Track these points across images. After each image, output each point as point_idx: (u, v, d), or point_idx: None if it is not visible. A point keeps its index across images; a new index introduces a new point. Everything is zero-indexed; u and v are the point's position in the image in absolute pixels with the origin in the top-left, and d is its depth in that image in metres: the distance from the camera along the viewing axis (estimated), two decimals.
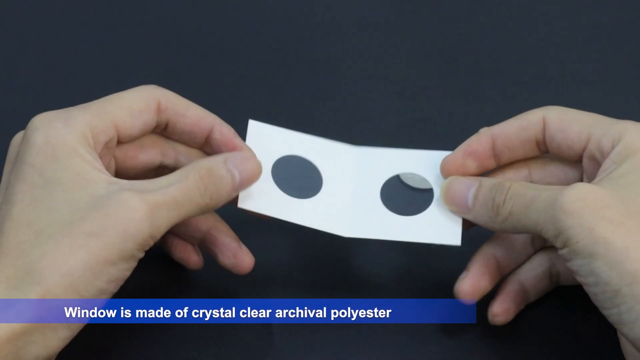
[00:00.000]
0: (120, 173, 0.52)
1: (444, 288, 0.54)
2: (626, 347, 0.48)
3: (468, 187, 0.52)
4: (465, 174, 0.53)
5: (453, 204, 0.52)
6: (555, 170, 0.53)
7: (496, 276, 0.53)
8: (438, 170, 0.54)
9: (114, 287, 0.46)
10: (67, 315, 0.45)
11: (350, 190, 0.54)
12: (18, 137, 0.50)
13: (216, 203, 0.49)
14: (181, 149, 0.53)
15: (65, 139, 0.47)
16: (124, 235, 0.45)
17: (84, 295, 0.45)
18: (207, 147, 0.53)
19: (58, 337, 0.46)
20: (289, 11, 0.69)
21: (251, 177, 0.51)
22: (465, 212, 0.52)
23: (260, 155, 0.52)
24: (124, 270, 0.46)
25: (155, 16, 0.69)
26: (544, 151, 0.53)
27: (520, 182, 0.51)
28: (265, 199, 0.52)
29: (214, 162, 0.50)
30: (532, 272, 0.54)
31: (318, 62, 0.67)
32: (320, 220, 0.53)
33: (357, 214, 0.54)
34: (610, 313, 0.45)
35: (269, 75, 0.66)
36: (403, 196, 0.55)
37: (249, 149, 0.52)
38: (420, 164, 0.54)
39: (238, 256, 0.53)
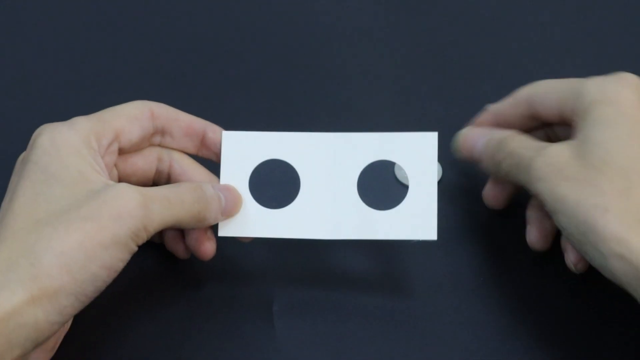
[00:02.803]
0: (121, 180, 0.54)
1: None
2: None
3: (481, 137, 0.56)
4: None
5: (468, 154, 0.57)
6: (564, 131, 0.55)
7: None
8: (413, 153, 0.54)
9: (107, 276, 0.47)
10: (60, 297, 0.45)
11: (327, 186, 0.54)
12: (22, 155, 0.52)
13: (204, 217, 0.52)
14: (176, 156, 0.55)
15: (70, 140, 0.50)
16: (117, 220, 0.47)
17: (77, 278, 0.46)
18: (204, 149, 0.55)
19: (49, 321, 0.46)
20: (284, 17, 0.69)
21: (235, 204, 0.54)
22: (477, 162, 0.56)
23: (238, 166, 0.54)
24: (117, 259, 0.47)
25: (155, 21, 0.69)
26: (540, 122, 0.55)
27: (521, 137, 0.54)
28: (243, 220, 0.54)
29: (203, 183, 0.53)
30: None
31: (313, 66, 0.66)
32: (300, 228, 0.54)
33: (334, 213, 0.54)
34: (587, 260, 0.50)
35: (264, 80, 0.65)
36: (379, 187, 0.56)
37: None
38: (396, 148, 0.55)
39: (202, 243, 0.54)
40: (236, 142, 0.55)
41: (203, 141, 0.55)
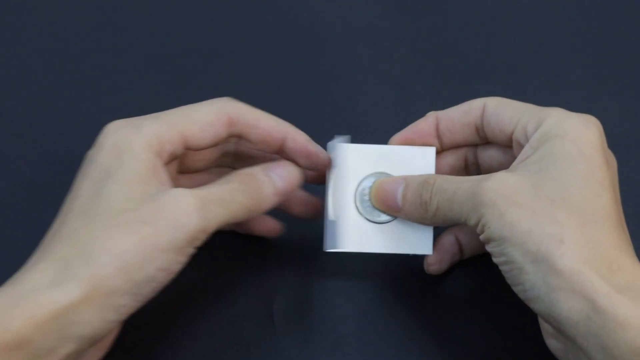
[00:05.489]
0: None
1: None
2: (540, 321, 0.50)
3: (396, 187, 0.53)
4: None
5: (384, 206, 0.54)
6: (493, 154, 0.55)
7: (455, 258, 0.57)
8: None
9: (163, 277, 0.47)
10: (116, 297, 0.46)
11: (329, 198, 0.55)
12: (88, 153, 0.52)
13: (259, 205, 0.51)
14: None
15: (133, 143, 0.49)
16: (175, 225, 0.47)
17: (134, 279, 0.46)
18: (283, 154, 0.54)
19: (104, 319, 0.46)
20: (284, 17, 0.69)
21: (292, 183, 0.53)
22: (397, 212, 0.54)
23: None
24: (174, 262, 0.47)
25: (155, 21, 0.69)
26: (482, 138, 0.55)
27: (444, 176, 0.52)
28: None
29: (253, 169, 0.52)
30: (467, 228, 0.55)
31: (313, 66, 0.67)
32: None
33: (333, 225, 0.54)
34: (518, 290, 0.48)
35: (264, 80, 0.66)
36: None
37: (317, 153, 0.53)
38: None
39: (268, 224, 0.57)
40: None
41: (281, 148, 0.53)
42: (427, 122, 0.55)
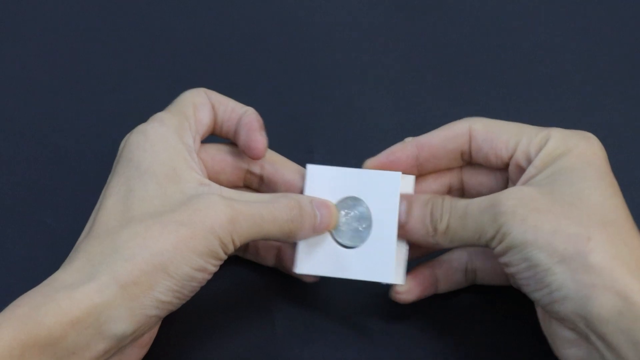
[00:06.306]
0: (210, 176, 0.54)
1: None
2: (554, 332, 0.49)
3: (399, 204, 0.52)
4: None
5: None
6: (480, 177, 0.54)
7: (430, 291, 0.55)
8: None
9: (201, 277, 0.48)
10: (156, 292, 0.46)
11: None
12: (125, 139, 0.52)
13: (296, 234, 0.51)
14: (267, 155, 0.54)
15: (165, 135, 0.50)
16: (211, 231, 0.47)
17: (174, 277, 0.46)
18: (236, 134, 0.54)
19: (145, 315, 0.46)
20: (285, 16, 0.69)
21: (329, 223, 0.52)
22: (399, 228, 0.52)
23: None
24: (210, 264, 0.48)
25: (155, 21, 0.69)
26: (467, 161, 0.54)
27: (449, 197, 0.52)
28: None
29: (302, 197, 0.52)
30: (447, 264, 0.55)
31: (314, 66, 0.67)
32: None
33: (305, 247, 0.53)
34: (542, 294, 0.47)
35: (265, 80, 0.66)
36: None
37: (257, 134, 0.53)
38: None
39: None
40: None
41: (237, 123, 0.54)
42: (406, 151, 0.53)
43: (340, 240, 0.53)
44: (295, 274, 0.53)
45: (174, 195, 0.48)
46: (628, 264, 0.46)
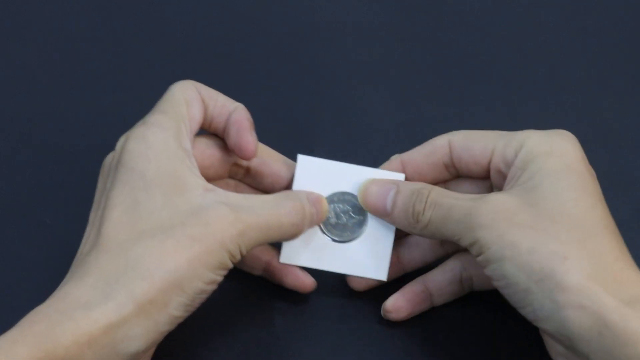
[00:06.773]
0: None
1: None
2: (549, 342, 0.49)
3: (387, 191, 0.53)
4: None
5: (371, 208, 0.53)
6: (467, 188, 0.54)
7: (397, 271, 0.55)
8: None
9: (211, 289, 0.48)
10: (170, 309, 0.46)
11: None
12: (109, 157, 0.51)
13: (296, 235, 0.52)
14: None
15: (165, 141, 0.49)
16: (222, 245, 0.47)
17: (188, 292, 0.46)
18: (226, 130, 0.54)
19: (159, 331, 0.46)
20: (285, 16, 0.69)
21: (320, 218, 0.53)
22: (384, 216, 0.53)
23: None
24: (219, 276, 0.48)
25: (155, 21, 0.69)
26: (453, 174, 0.54)
27: (437, 188, 0.52)
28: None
29: (303, 197, 0.52)
30: (440, 276, 0.55)
31: (314, 65, 0.67)
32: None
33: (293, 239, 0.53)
34: (526, 312, 0.47)
35: (265, 80, 0.66)
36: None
37: (247, 134, 0.53)
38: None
39: (300, 278, 0.55)
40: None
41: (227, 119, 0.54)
42: (392, 167, 0.54)
43: (328, 234, 0.54)
44: (286, 283, 0.55)
45: (181, 206, 0.48)
46: (604, 282, 0.45)
